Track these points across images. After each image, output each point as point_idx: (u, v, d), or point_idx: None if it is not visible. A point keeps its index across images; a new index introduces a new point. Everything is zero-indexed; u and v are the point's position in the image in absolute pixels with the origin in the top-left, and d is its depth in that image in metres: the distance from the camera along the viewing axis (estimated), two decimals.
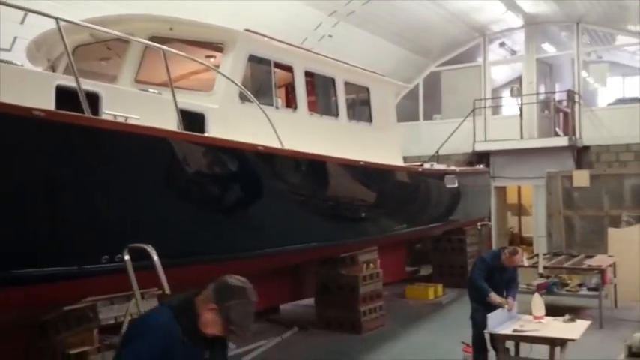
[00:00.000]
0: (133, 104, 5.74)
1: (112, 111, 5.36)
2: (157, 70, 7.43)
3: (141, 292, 5.13)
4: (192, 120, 6.34)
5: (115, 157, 5.08)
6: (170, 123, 5.98)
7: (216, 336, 2.94)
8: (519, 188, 18.78)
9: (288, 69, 8.45)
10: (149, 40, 6.73)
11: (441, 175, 12.04)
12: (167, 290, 4.71)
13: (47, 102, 4.87)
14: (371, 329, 9.38)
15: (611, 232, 12.17)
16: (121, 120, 5.24)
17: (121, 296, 5.41)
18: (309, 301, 10.18)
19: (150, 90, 6.49)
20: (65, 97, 5.01)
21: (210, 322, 2.86)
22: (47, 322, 5.40)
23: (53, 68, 7.72)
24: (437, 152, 16.22)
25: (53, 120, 4.52)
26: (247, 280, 2.97)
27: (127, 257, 4.84)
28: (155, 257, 4.77)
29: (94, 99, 5.21)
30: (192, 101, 6.68)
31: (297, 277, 9.91)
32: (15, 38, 8.76)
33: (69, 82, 5.10)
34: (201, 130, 6.54)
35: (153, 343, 2.74)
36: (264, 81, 8.15)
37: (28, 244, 4.67)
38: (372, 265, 9.89)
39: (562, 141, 15.57)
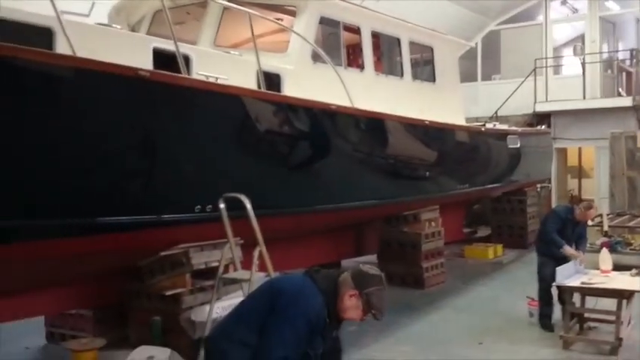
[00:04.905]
0: (217, 65, 6.06)
1: (200, 72, 5.70)
2: (231, 33, 7.74)
3: (224, 240, 5.51)
4: (270, 80, 6.63)
5: (209, 115, 5.41)
6: (249, 83, 6.30)
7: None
8: (580, 150, 18.49)
9: (356, 30, 8.60)
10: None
11: (503, 136, 12.02)
12: (260, 240, 5.04)
13: (145, 63, 5.23)
14: (433, 285, 9.63)
15: None
16: (212, 80, 5.57)
17: (208, 244, 5.83)
18: (370, 258, 10.45)
19: (231, 52, 6.79)
20: (160, 58, 5.37)
21: (350, 307, 3.17)
22: (143, 267, 5.91)
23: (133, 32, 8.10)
24: (495, 113, 16.11)
25: (156, 80, 4.88)
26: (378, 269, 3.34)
27: (222, 206, 5.18)
28: (249, 206, 5.12)
29: (185, 61, 5.54)
30: (268, 62, 6.95)
31: (359, 234, 10.20)
32: (93, 4, 9.22)
33: (163, 44, 5.46)
34: (278, 90, 6.82)
35: (309, 323, 3.05)
36: (333, 42, 8.34)
37: (131, 196, 5.12)
38: (433, 223, 10.10)
39: (626, 101, 15.21)
